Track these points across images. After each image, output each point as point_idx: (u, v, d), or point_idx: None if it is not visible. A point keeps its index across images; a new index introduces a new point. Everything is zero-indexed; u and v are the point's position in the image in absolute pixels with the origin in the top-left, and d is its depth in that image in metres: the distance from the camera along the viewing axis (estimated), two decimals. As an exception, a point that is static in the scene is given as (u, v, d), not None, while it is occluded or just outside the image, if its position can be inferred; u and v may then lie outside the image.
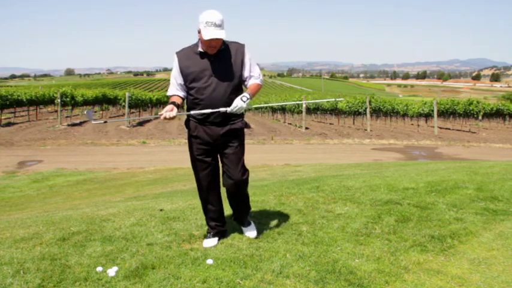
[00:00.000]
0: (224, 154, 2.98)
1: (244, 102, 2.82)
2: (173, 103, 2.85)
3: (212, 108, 2.84)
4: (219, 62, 2.87)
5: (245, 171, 3.03)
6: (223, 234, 3.13)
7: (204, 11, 2.77)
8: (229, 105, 2.84)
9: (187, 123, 3.03)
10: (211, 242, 3.00)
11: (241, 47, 2.95)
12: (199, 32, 2.78)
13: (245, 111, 2.91)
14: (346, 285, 2.34)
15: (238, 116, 2.95)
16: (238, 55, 2.92)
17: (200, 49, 2.86)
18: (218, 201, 3.12)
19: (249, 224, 3.19)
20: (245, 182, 3.05)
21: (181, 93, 2.94)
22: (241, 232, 3.19)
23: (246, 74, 2.97)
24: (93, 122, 3.04)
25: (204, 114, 2.87)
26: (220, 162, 3.06)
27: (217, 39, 2.74)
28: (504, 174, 5.54)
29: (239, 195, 3.10)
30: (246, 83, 3.00)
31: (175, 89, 2.94)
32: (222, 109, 2.83)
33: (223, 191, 3.12)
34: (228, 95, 2.87)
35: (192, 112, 2.88)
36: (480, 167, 6.35)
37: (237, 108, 2.82)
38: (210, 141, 2.94)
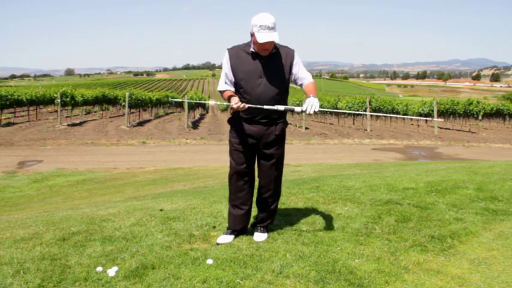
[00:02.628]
0: (263, 153, 3.05)
1: (315, 98, 2.80)
2: (234, 94, 2.88)
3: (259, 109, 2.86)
4: (269, 64, 2.93)
5: (279, 171, 3.13)
6: (244, 233, 3.16)
7: (257, 14, 2.82)
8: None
9: (231, 120, 3.07)
10: (227, 238, 3.03)
11: (291, 51, 3.00)
12: (252, 34, 2.84)
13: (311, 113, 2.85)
14: (346, 285, 2.34)
15: (282, 117, 3.02)
16: (288, 59, 2.97)
17: (252, 49, 2.91)
18: (248, 195, 3.15)
19: (264, 231, 3.14)
20: (277, 184, 3.15)
21: (233, 89, 2.97)
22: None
23: (297, 77, 3.02)
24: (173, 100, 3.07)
25: (274, 110, 2.85)
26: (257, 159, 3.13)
27: (270, 42, 2.80)
28: (504, 174, 5.54)
29: (270, 201, 3.15)
30: (299, 83, 3.05)
31: (226, 84, 2.98)
32: (298, 108, 2.82)
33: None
34: (274, 97, 2.93)
35: (265, 106, 2.83)
36: (480, 167, 6.35)
37: (312, 106, 2.76)
38: (254, 137, 2.99)
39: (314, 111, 2.76)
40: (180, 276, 2.41)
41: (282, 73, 2.96)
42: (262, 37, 2.77)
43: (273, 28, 2.78)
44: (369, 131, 19.54)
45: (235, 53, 2.97)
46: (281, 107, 2.84)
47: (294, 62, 3.00)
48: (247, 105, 2.81)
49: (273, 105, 2.86)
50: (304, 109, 2.77)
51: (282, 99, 3.00)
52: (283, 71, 2.96)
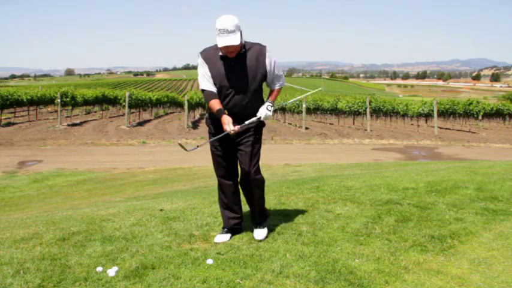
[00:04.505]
0: (239, 150, 3.05)
1: (269, 111, 2.99)
2: (225, 112, 2.88)
3: (234, 111, 2.92)
4: (239, 66, 2.91)
5: (257, 166, 3.08)
6: (239, 231, 3.17)
7: (220, 16, 2.80)
8: (250, 108, 2.96)
9: (208, 120, 3.11)
10: (223, 237, 3.06)
11: (262, 49, 2.97)
12: None
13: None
14: (346, 285, 2.34)
15: (255, 116, 3.02)
16: (259, 58, 2.95)
17: (220, 53, 2.90)
18: (234, 196, 3.17)
19: (262, 226, 3.13)
20: (257, 179, 3.09)
21: (216, 90, 2.96)
22: (241, 232, 3.19)
23: (268, 77, 3.02)
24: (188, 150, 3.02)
25: (253, 122, 2.97)
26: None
27: (231, 45, 2.78)
28: (504, 174, 5.54)
29: (252, 193, 3.12)
30: (269, 86, 3.11)
31: (210, 84, 2.95)
32: (254, 119, 2.97)
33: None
34: (248, 98, 2.95)
35: (246, 122, 2.93)
36: (480, 167, 6.35)
37: (263, 118, 2.98)
38: (228, 138, 2.99)
39: (267, 115, 2.98)
40: (180, 276, 2.41)
41: (253, 74, 2.94)
42: (221, 41, 2.77)
43: (233, 31, 2.75)
44: (369, 131, 19.53)
45: (207, 55, 2.96)
46: (253, 119, 2.96)
47: (267, 62, 2.96)
48: (238, 128, 2.85)
49: (249, 108, 2.96)
50: (262, 118, 2.98)
51: (256, 98, 3.00)
52: (253, 71, 2.94)
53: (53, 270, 2.51)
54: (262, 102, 3.06)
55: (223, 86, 2.93)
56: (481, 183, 4.95)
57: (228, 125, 2.81)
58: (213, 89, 2.94)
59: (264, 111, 2.98)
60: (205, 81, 2.95)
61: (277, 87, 3.10)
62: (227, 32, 2.74)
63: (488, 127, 25.71)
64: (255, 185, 3.09)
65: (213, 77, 2.93)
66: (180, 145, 2.97)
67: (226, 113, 2.89)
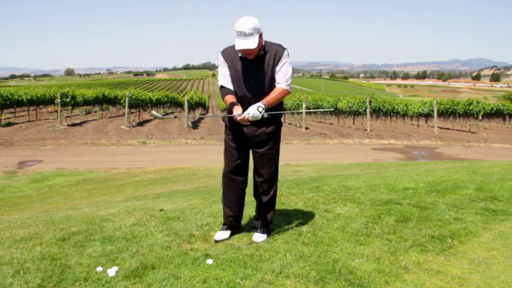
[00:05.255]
0: (256, 152, 3.06)
1: (259, 112, 2.84)
2: (237, 104, 2.88)
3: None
4: (258, 67, 2.91)
5: (274, 169, 3.10)
6: (237, 229, 3.18)
7: (240, 18, 2.79)
8: (268, 110, 2.90)
9: (225, 119, 3.10)
10: (223, 234, 3.06)
11: (280, 50, 2.94)
12: None
13: (263, 117, 2.91)
14: (346, 285, 2.34)
15: (273, 118, 3.00)
16: (276, 58, 2.93)
17: (240, 54, 2.90)
18: (239, 195, 3.17)
19: (263, 232, 3.12)
20: (272, 183, 3.11)
21: (233, 87, 2.97)
22: (241, 232, 3.20)
23: (275, 76, 2.99)
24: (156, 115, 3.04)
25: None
26: (253, 159, 3.14)
27: (247, 49, 2.78)
28: (504, 174, 5.54)
29: (264, 204, 3.13)
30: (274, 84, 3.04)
31: (228, 82, 2.97)
32: (238, 114, 2.87)
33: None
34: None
35: (246, 114, 2.87)
36: (480, 167, 6.35)
37: (250, 116, 2.82)
38: (245, 137, 3.01)
39: (254, 115, 2.81)
40: (180, 276, 2.41)
41: (269, 75, 2.93)
42: (238, 44, 2.77)
43: (250, 34, 2.73)
44: (369, 131, 19.53)
45: (227, 55, 2.97)
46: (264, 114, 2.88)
47: (280, 62, 2.94)
48: (249, 117, 2.82)
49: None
50: (249, 117, 2.83)
51: None
52: (271, 72, 2.93)
53: (53, 270, 2.50)
54: (281, 105, 3.06)
55: (241, 87, 2.93)
56: (481, 183, 4.95)
57: (237, 111, 2.83)
58: (231, 86, 2.97)
59: (252, 111, 2.82)
60: (224, 79, 2.98)
61: (277, 85, 2.95)
62: (244, 35, 2.73)
63: (488, 127, 25.71)
64: (270, 187, 3.14)
65: (232, 77, 2.94)
66: (153, 114, 3.00)
67: (239, 105, 2.89)
